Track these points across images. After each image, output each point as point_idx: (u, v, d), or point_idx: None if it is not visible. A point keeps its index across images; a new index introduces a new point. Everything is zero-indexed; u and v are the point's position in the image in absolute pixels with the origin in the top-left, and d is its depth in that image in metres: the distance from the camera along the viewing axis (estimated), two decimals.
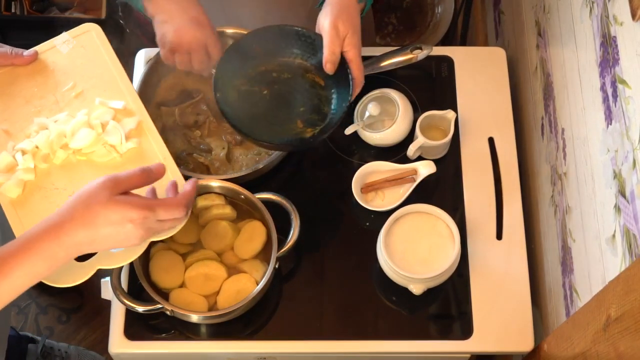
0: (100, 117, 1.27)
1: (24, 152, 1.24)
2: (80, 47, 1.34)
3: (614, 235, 1.07)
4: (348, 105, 1.29)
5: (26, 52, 1.32)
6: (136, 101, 1.30)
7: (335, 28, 1.31)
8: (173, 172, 1.24)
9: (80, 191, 1.07)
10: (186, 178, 1.40)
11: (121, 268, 1.34)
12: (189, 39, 1.34)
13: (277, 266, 1.34)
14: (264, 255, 1.37)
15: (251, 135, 1.31)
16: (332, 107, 1.34)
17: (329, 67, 1.32)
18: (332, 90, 1.35)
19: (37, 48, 1.34)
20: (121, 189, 1.07)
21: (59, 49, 1.35)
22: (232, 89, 1.34)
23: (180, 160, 1.48)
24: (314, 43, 1.34)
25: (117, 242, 1.07)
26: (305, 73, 1.36)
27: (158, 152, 1.26)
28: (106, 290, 1.36)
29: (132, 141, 1.26)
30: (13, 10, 2.38)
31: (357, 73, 1.34)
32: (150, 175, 1.11)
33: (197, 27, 1.34)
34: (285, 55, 1.36)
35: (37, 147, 1.25)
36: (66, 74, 1.33)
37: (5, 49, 1.32)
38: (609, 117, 1.08)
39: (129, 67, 1.61)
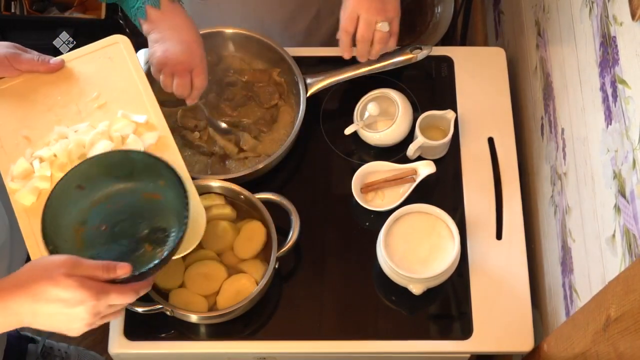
0: (121, 129, 1.27)
1: (41, 160, 1.24)
2: (107, 59, 1.34)
3: (613, 236, 1.07)
4: (187, 215, 1.17)
5: (53, 60, 1.32)
6: (159, 116, 1.29)
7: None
8: (190, 190, 1.23)
9: (38, 261, 1.05)
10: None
11: None
12: (175, 62, 1.34)
13: (277, 266, 1.34)
14: (264, 255, 1.37)
15: None
16: (172, 224, 1.21)
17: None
18: (171, 201, 1.22)
19: (64, 56, 1.33)
20: (79, 273, 1.04)
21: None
22: (66, 238, 1.20)
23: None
24: (139, 163, 1.23)
25: (61, 322, 1.04)
26: (140, 193, 1.25)
27: (177, 171, 1.25)
28: None
29: None
30: (13, 10, 2.38)
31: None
32: (111, 274, 1.07)
33: (185, 51, 1.34)
34: (113, 182, 1.24)
35: (55, 155, 1.24)
36: (91, 84, 1.32)
37: (33, 55, 1.31)
38: (608, 117, 1.08)
39: None
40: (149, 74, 1.45)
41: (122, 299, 1.08)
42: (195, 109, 1.50)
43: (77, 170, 1.21)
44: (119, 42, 1.35)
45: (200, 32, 1.51)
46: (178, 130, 1.50)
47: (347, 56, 1.44)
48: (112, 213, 1.23)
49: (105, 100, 1.31)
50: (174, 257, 1.20)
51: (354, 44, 1.43)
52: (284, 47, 1.53)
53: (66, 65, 1.33)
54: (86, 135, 1.26)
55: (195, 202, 1.25)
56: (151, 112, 1.30)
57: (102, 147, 1.24)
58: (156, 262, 1.15)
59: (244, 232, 1.37)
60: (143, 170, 1.23)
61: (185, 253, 1.22)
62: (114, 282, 1.09)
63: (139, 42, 1.53)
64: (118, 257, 1.18)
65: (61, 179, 1.20)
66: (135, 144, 1.26)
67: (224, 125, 1.50)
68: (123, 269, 1.08)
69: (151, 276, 1.16)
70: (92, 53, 1.35)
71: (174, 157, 1.27)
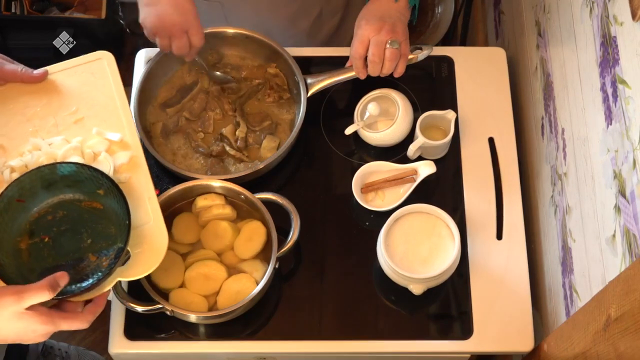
0: (94, 146, 1.28)
1: (12, 170, 1.25)
2: (90, 74, 1.34)
3: (614, 236, 1.07)
4: (129, 222, 1.18)
5: (36, 71, 1.32)
6: (134, 135, 1.30)
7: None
8: (155, 214, 1.24)
9: None
10: (186, 180, 1.41)
11: None
12: (170, 24, 1.36)
13: (277, 266, 1.34)
14: (264, 255, 1.37)
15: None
16: (116, 233, 1.21)
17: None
18: (113, 208, 1.22)
19: (48, 68, 1.34)
20: (26, 304, 1.07)
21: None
22: (10, 253, 1.20)
23: (180, 161, 1.48)
24: (75, 174, 1.23)
25: (15, 341, 1.10)
26: (80, 203, 1.24)
27: (144, 191, 1.26)
28: None
29: (122, 176, 1.26)
30: (13, 10, 2.38)
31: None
32: (56, 289, 1.10)
33: (179, 12, 1.36)
34: (53, 194, 1.24)
35: (26, 166, 1.25)
36: (71, 98, 1.32)
37: (16, 66, 1.31)
38: (609, 117, 1.08)
39: (129, 67, 1.61)
40: (141, 86, 1.46)
41: (71, 326, 1.12)
42: (195, 96, 1.51)
43: (15, 185, 1.21)
44: (103, 59, 1.35)
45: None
46: (183, 130, 1.50)
47: (362, 77, 1.47)
48: (54, 224, 1.23)
49: (82, 116, 1.31)
50: (136, 277, 1.20)
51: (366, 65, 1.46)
52: (285, 47, 1.53)
53: (49, 77, 1.33)
54: (59, 149, 1.27)
55: (158, 221, 1.24)
56: (126, 130, 1.30)
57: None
58: (99, 274, 1.16)
59: (244, 232, 1.37)
60: (81, 180, 1.23)
61: (145, 274, 1.21)
62: (63, 294, 1.12)
63: (140, 42, 1.53)
64: (64, 269, 1.17)
65: (0, 194, 1.20)
66: (105, 161, 1.27)
67: (219, 73, 1.53)
68: (62, 279, 1.11)
69: (98, 293, 1.17)
70: (76, 67, 1.35)
71: (144, 177, 1.27)
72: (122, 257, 1.17)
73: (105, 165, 1.26)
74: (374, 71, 1.44)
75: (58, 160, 1.25)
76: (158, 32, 1.38)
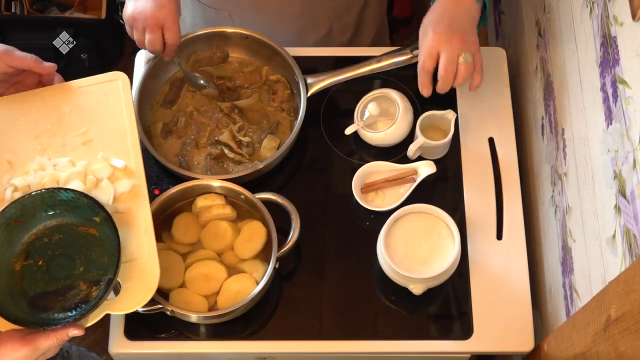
0: (97, 172, 1.27)
1: (15, 189, 1.24)
2: (103, 95, 1.33)
3: (614, 236, 1.07)
4: (119, 254, 1.17)
5: (45, 63, 1.31)
6: (138, 164, 1.29)
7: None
8: (150, 245, 1.23)
9: None
10: (186, 180, 1.41)
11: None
12: (144, 17, 1.34)
13: (277, 266, 1.34)
14: (264, 255, 1.37)
15: (40, 325, 1.15)
16: (108, 263, 1.21)
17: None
18: (108, 237, 1.21)
19: (64, 84, 1.33)
20: (40, 352, 1.12)
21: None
22: (2, 272, 1.20)
23: (180, 161, 1.48)
24: (73, 201, 1.23)
25: None
26: (76, 228, 1.24)
27: (142, 223, 1.25)
28: None
29: (121, 206, 1.25)
30: (13, 10, 2.38)
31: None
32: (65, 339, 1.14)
33: (156, 6, 1.34)
34: (50, 217, 1.24)
35: (29, 186, 1.25)
36: (82, 118, 1.32)
37: (26, 54, 1.30)
38: (609, 118, 1.08)
39: (129, 67, 1.61)
40: (141, 86, 1.47)
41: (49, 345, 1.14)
42: (207, 112, 1.51)
43: (14, 206, 1.21)
44: (118, 80, 1.35)
45: (202, 32, 1.52)
46: (182, 130, 1.50)
47: (427, 94, 1.39)
48: (49, 247, 1.23)
49: (91, 137, 1.31)
50: (124, 312, 1.20)
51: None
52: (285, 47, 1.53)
53: (63, 94, 1.33)
54: (63, 171, 1.26)
55: (151, 256, 1.23)
56: (132, 157, 1.29)
57: (74, 186, 1.24)
58: (87, 305, 1.17)
59: (244, 232, 1.37)
60: (79, 207, 1.23)
61: (133, 309, 1.20)
62: (50, 323, 1.15)
63: None
64: (57, 295, 1.19)
65: None
66: (106, 189, 1.26)
67: (202, 81, 1.52)
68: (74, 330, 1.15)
69: (85, 324, 1.18)
70: (90, 86, 1.34)
71: (143, 208, 1.26)
72: (110, 289, 1.17)
73: (106, 193, 1.25)
74: (443, 88, 1.35)
75: (61, 183, 1.25)
76: (134, 25, 1.36)
